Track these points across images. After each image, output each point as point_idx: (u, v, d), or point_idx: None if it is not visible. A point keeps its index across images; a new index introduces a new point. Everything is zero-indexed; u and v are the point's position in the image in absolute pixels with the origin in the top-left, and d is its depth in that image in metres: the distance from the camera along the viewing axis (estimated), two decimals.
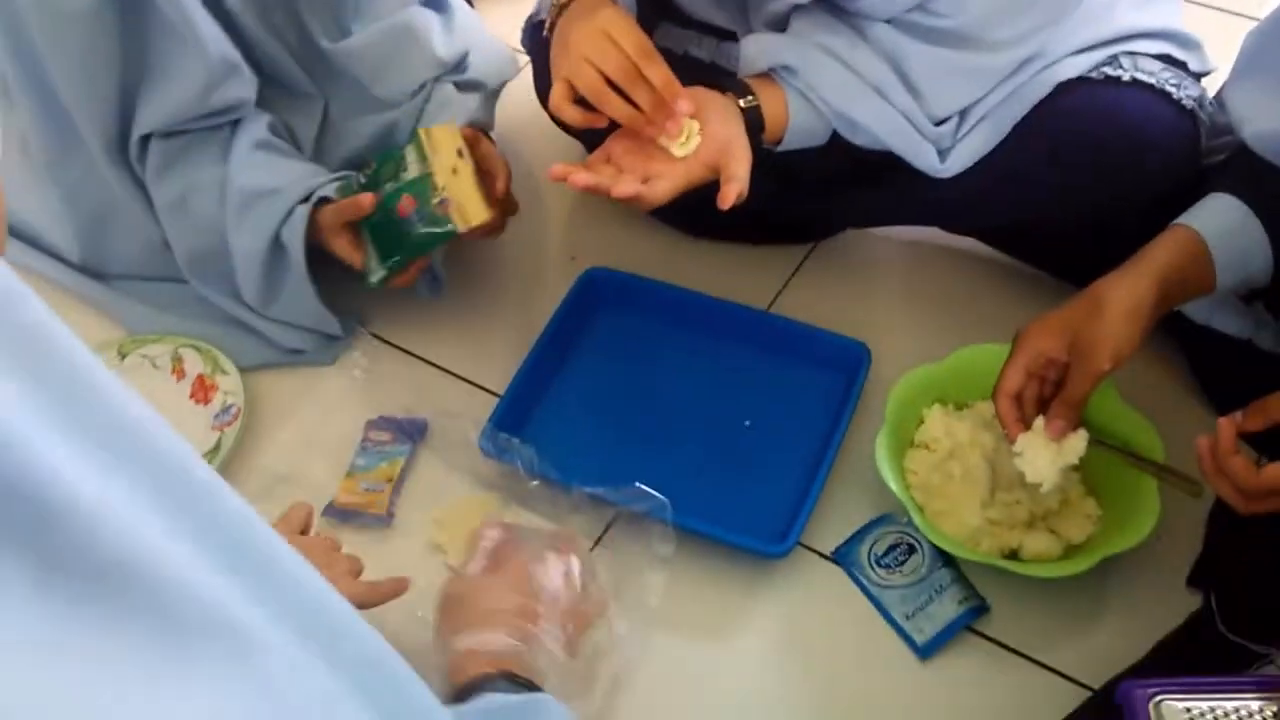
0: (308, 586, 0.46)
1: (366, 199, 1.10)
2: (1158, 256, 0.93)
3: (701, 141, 1.01)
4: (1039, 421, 0.96)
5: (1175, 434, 1.01)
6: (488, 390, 1.20)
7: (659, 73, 0.98)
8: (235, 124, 1.19)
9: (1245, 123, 0.97)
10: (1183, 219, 0.95)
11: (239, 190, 1.15)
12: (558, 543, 0.90)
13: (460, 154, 1.11)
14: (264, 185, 1.15)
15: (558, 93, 1.01)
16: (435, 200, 1.08)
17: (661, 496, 1.01)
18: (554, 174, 1.00)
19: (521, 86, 1.36)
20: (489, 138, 1.23)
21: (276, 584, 0.44)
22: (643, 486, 1.01)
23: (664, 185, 1.00)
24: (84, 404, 0.39)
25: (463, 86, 1.27)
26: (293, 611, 0.44)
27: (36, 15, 1.09)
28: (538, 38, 1.26)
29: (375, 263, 1.13)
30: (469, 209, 1.09)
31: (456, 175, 1.10)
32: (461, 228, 1.09)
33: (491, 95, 1.30)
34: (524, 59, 1.37)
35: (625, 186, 0.99)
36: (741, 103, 1.04)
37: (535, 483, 1.07)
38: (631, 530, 1.03)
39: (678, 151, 1.01)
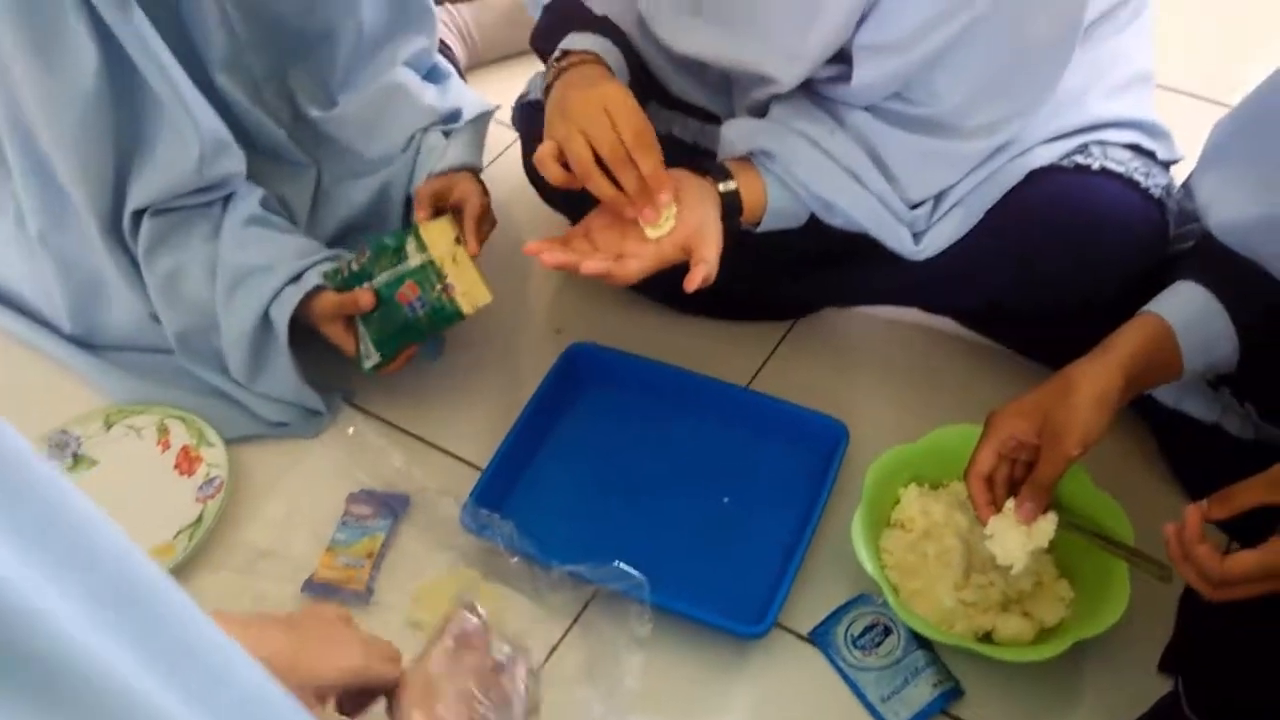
0: (245, 680, 0.46)
1: (366, 298, 1.12)
2: (1125, 344, 0.95)
3: (675, 224, 1.03)
4: (1009, 504, 0.97)
5: (1146, 517, 1.02)
6: (471, 464, 1.21)
7: (649, 162, 1.00)
8: (227, 200, 1.21)
9: (1211, 212, 0.99)
10: (1150, 306, 0.97)
11: (229, 267, 1.17)
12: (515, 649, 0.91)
13: (458, 241, 1.14)
14: (254, 263, 1.17)
15: (545, 149, 1.02)
16: (438, 287, 1.11)
17: (639, 575, 1.02)
18: (528, 249, 1.02)
19: (508, 164, 1.39)
20: (477, 177, 1.26)
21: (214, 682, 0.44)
22: (622, 565, 1.02)
23: (635, 264, 1.02)
24: (19, 500, 0.39)
25: (450, 135, 1.30)
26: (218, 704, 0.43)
27: (35, 92, 1.11)
28: (528, 117, 1.29)
29: (371, 349, 1.15)
30: (474, 292, 1.12)
31: (457, 263, 1.13)
32: (468, 310, 1.12)
33: (476, 134, 1.31)
34: (512, 135, 1.40)
35: (594, 264, 1.01)
36: (720, 187, 1.07)
37: (515, 559, 1.08)
38: (609, 609, 1.04)
39: (651, 233, 1.03)
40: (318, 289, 1.15)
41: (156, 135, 1.14)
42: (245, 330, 1.17)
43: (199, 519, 1.14)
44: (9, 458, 0.39)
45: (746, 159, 1.10)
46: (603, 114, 0.98)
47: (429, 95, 1.31)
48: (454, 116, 1.32)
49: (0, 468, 0.38)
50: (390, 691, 0.86)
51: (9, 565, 0.36)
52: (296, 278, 1.16)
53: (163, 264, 1.19)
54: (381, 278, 1.13)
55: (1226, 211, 0.98)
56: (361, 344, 1.16)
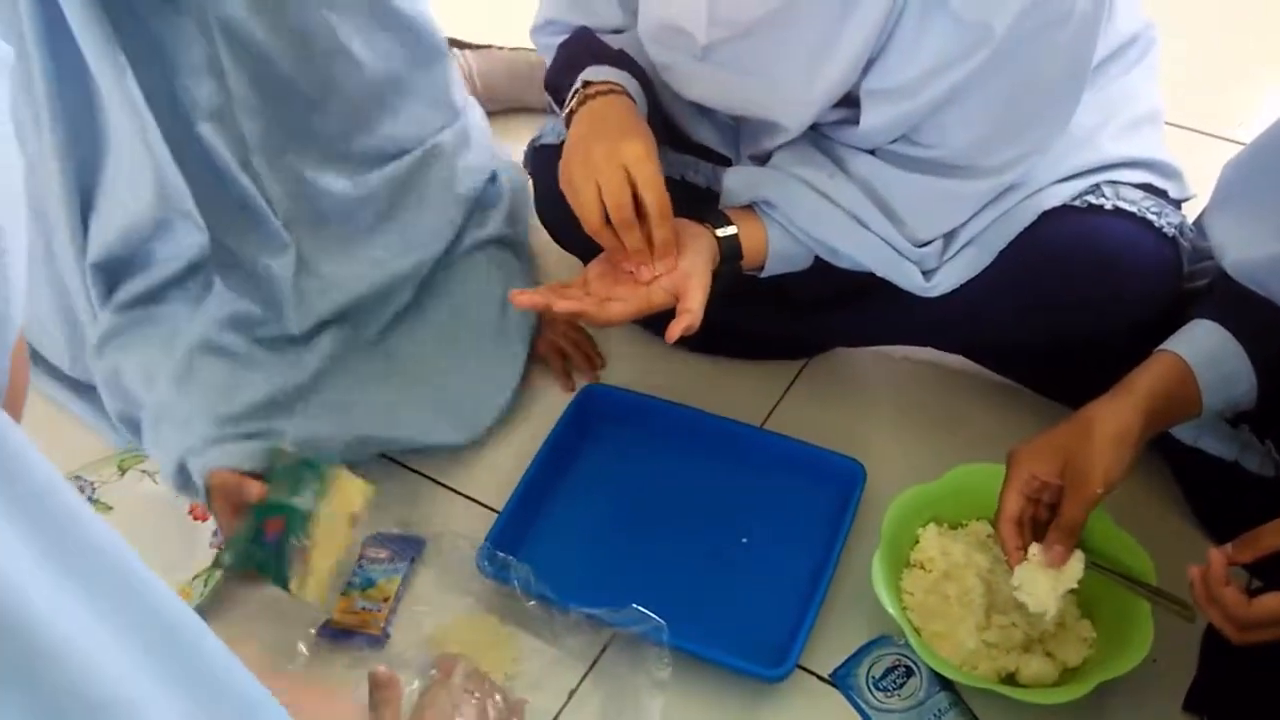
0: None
1: (255, 488, 1.05)
2: (1144, 382, 0.95)
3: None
4: (1034, 549, 0.97)
5: (1167, 556, 1.01)
6: (486, 506, 1.21)
7: (663, 232, 1.00)
8: (191, 306, 1.17)
9: (1225, 251, 1.00)
10: (1167, 345, 0.97)
11: (155, 403, 1.13)
12: (469, 684, 0.91)
13: (353, 523, 1.06)
14: (178, 410, 1.12)
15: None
16: (298, 544, 1.04)
17: (658, 619, 1.01)
18: (510, 297, 1.03)
19: None
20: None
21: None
22: (640, 609, 1.02)
23: (619, 308, 1.02)
24: (64, 540, 0.40)
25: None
26: None
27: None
28: (541, 160, 1.30)
29: (234, 548, 1.07)
30: (311, 581, 1.04)
31: (331, 538, 1.05)
32: (293, 590, 1.03)
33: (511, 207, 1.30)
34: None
35: (566, 304, 1.01)
36: (719, 233, 1.07)
37: (532, 603, 1.07)
38: (627, 652, 1.03)
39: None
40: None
41: (114, 184, 1.12)
42: (170, 468, 1.11)
43: (215, 563, 1.13)
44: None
45: (748, 206, 1.10)
46: (622, 172, 0.98)
47: (464, 174, 1.28)
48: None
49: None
50: None
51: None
52: (217, 440, 1.10)
53: (110, 360, 1.16)
54: (274, 495, 1.05)
55: (1240, 251, 0.98)
56: (236, 533, 1.06)
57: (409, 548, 1.16)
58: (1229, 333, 0.95)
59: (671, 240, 1.01)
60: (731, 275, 1.09)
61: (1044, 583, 0.96)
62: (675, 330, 1.01)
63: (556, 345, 1.34)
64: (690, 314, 1.01)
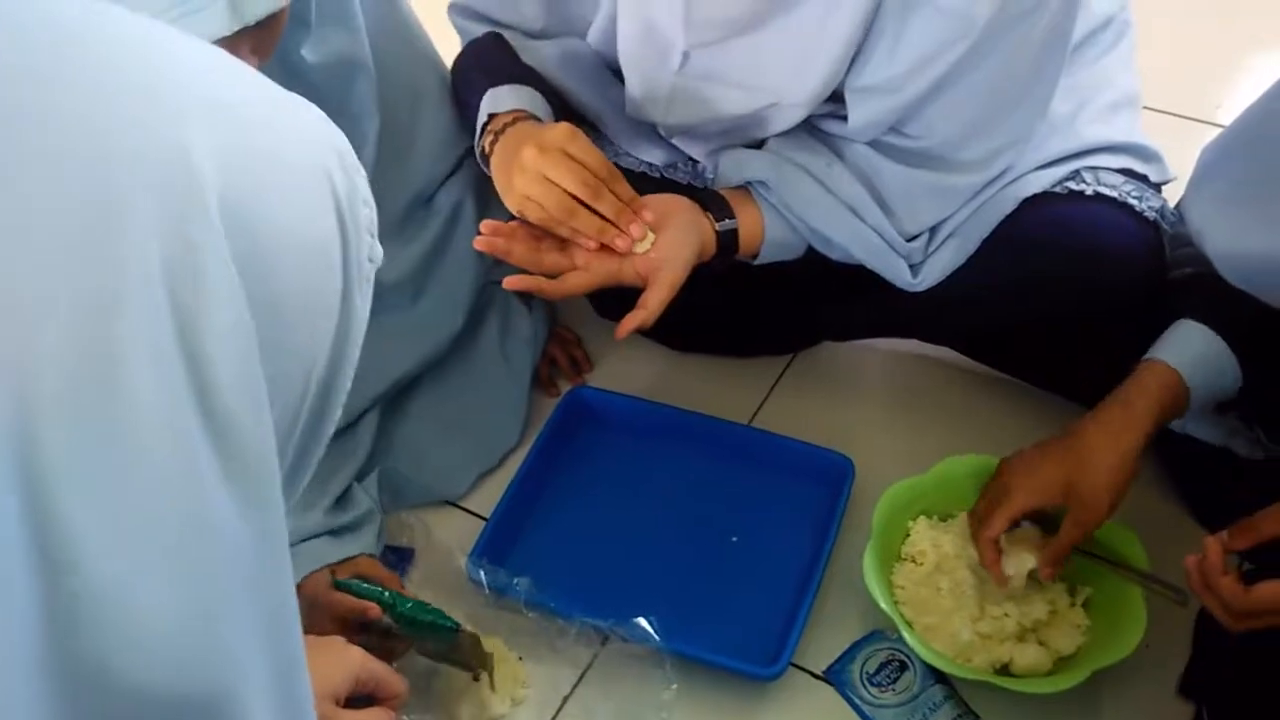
0: None
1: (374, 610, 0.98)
2: (1140, 402, 0.96)
3: (650, 248, 1.00)
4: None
5: (1157, 541, 1.02)
6: (474, 514, 1.20)
7: (624, 189, 0.98)
8: None
9: (1204, 236, 0.99)
10: (1155, 353, 0.97)
11: None
12: None
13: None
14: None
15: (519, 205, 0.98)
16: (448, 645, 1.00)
17: (658, 638, 1.00)
18: (485, 234, 0.99)
19: None
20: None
21: None
22: (644, 624, 1.01)
23: (578, 280, 0.99)
24: None
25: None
26: None
27: None
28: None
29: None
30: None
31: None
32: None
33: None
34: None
35: (516, 282, 0.99)
36: (719, 227, 1.06)
37: (533, 615, 1.06)
38: (627, 663, 1.02)
39: (637, 248, 1.00)
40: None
41: None
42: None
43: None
44: None
45: (745, 190, 1.09)
46: (562, 157, 0.95)
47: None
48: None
49: None
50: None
51: None
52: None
53: None
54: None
55: (1219, 239, 0.98)
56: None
57: (398, 558, 1.15)
58: (1213, 331, 0.96)
59: (634, 193, 0.98)
60: (724, 266, 1.08)
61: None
62: (627, 325, 0.99)
63: (549, 353, 1.32)
64: (646, 312, 0.98)
